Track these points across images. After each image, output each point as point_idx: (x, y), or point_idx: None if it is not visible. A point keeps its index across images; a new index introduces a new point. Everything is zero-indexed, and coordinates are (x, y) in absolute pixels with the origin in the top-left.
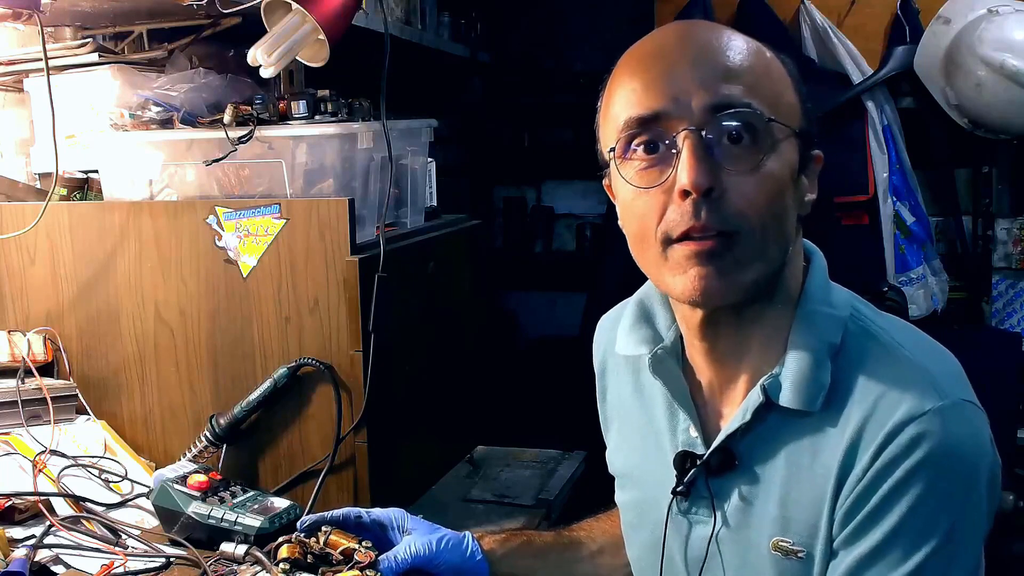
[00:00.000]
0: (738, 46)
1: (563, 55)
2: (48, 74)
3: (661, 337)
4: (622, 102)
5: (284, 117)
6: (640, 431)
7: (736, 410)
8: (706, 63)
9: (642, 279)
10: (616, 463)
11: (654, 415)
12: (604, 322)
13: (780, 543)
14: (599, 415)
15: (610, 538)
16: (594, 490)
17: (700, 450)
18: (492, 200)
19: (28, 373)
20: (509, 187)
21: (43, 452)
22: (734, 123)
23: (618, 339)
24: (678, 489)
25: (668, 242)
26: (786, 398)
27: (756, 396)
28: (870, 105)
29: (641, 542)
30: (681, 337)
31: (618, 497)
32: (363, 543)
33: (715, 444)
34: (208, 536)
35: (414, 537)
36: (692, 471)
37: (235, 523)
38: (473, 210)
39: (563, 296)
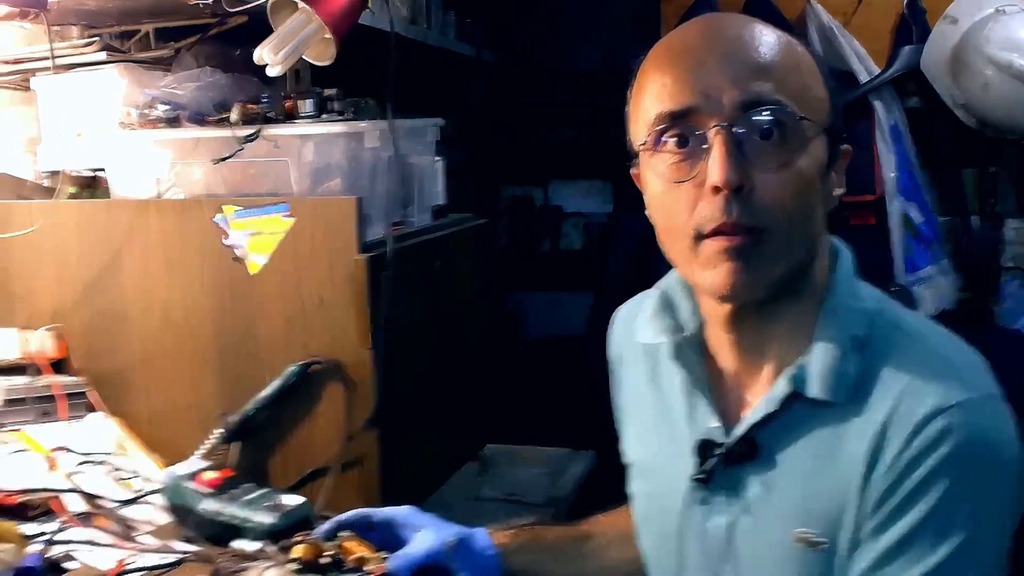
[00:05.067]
0: (769, 41)
1: (567, 54)
2: (54, 73)
3: (683, 327)
4: (652, 96)
5: (291, 116)
6: (656, 421)
7: (760, 400)
8: (737, 59)
9: (647, 278)
10: (631, 454)
11: (671, 404)
12: (621, 312)
13: (802, 534)
14: (613, 407)
15: (619, 532)
16: (603, 489)
17: (720, 438)
18: (498, 199)
19: (39, 370)
20: (515, 186)
21: (55, 449)
22: (764, 120)
23: (639, 328)
24: (697, 477)
25: (699, 237)
26: (813, 389)
27: (783, 386)
28: (877, 105)
29: (655, 533)
30: (702, 327)
31: (631, 488)
32: (379, 553)
33: (738, 432)
34: (220, 533)
35: (425, 534)
36: (712, 459)
37: (246, 520)
38: (479, 209)
39: (569, 295)
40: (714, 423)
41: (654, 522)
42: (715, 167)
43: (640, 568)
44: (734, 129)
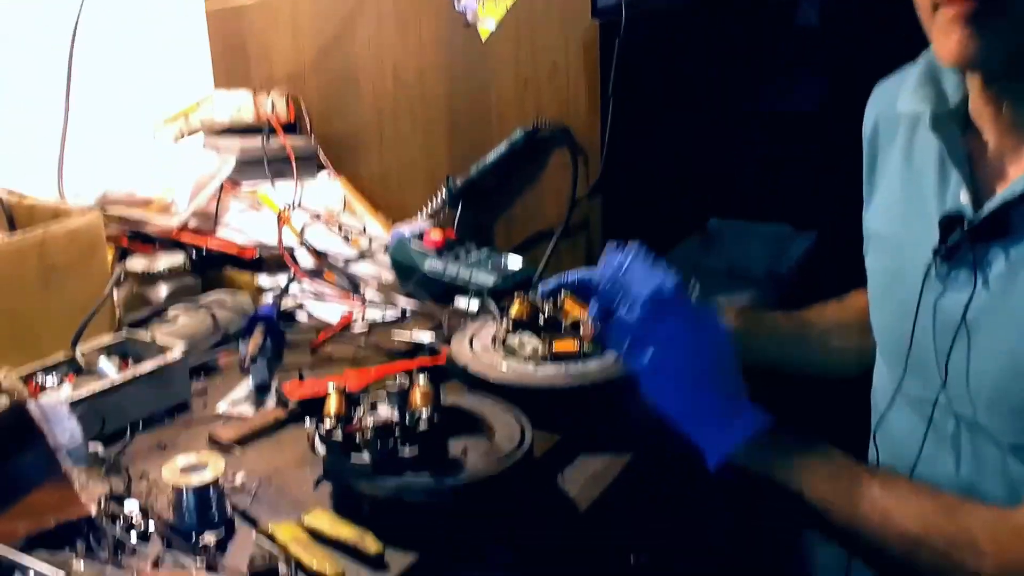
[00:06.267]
0: None
1: None
2: None
3: (947, 98)
4: None
5: None
6: (904, 193)
7: (1019, 177)
8: None
9: (880, 56)
10: (873, 226)
11: (923, 176)
12: (885, 82)
13: None
14: (863, 181)
15: (838, 322)
16: (825, 269)
17: (969, 214)
18: None
19: (272, 132)
20: None
21: (287, 207)
22: None
23: (901, 96)
24: (941, 251)
25: (935, 5)
26: None
27: None
28: None
29: (889, 309)
30: (967, 100)
31: (869, 262)
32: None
33: (989, 207)
34: (442, 291)
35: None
36: (957, 234)
37: (468, 279)
38: None
39: (804, 72)
40: (965, 197)
41: (890, 296)
42: None
43: (859, 360)
44: None
